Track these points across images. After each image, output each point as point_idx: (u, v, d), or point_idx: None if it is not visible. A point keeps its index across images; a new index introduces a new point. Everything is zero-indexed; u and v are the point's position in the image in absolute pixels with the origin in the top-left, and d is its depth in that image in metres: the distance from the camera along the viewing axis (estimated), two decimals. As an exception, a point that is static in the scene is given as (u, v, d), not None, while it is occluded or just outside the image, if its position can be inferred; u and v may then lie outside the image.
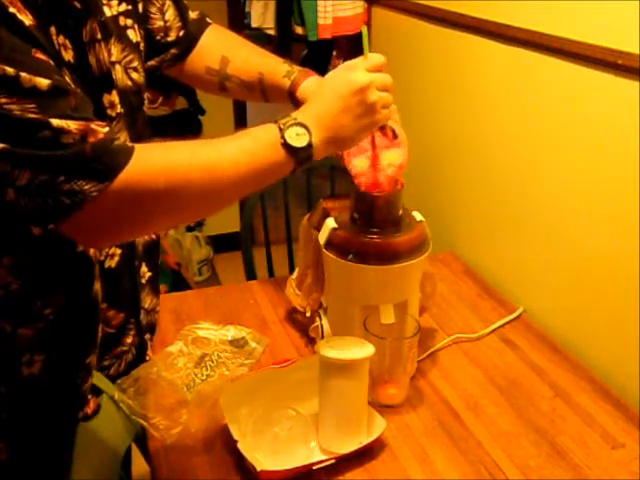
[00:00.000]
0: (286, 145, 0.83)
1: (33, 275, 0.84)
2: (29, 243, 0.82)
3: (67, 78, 0.76)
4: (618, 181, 1.21)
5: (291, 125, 0.83)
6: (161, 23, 1.08)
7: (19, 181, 0.69)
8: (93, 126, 0.72)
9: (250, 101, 1.17)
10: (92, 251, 0.89)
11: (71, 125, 0.70)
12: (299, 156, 0.84)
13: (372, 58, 0.92)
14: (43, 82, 0.69)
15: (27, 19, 0.70)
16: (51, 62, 0.72)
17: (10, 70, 0.67)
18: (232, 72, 1.13)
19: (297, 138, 0.83)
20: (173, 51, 1.11)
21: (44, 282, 0.85)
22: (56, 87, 0.70)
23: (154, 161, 0.76)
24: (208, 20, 1.17)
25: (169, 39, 1.10)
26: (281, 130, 0.83)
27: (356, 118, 0.88)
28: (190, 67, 1.15)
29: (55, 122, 0.69)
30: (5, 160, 0.68)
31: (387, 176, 1.07)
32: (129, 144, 0.76)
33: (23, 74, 0.68)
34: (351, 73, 0.89)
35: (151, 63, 1.08)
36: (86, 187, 0.70)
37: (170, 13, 1.09)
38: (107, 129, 0.73)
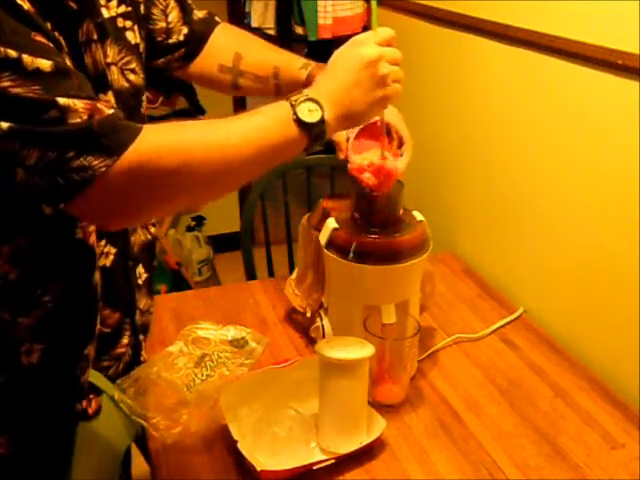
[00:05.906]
0: (298, 121, 0.82)
1: (32, 263, 0.84)
2: (27, 232, 0.82)
3: (67, 62, 0.76)
4: (618, 181, 1.21)
5: (303, 101, 0.83)
6: (163, 24, 1.07)
7: (28, 160, 0.69)
8: (99, 105, 0.72)
9: (261, 96, 1.15)
10: (91, 240, 0.89)
11: (78, 104, 0.70)
12: (312, 132, 0.83)
13: (381, 32, 0.90)
14: (46, 63, 0.69)
15: (25, 4, 0.71)
16: (51, 45, 0.72)
17: (12, 53, 0.67)
18: (246, 68, 1.13)
19: (309, 114, 0.83)
20: (180, 52, 1.11)
21: (43, 270, 0.85)
22: (59, 68, 0.70)
23: (164, 139, 0.76)
24: (217, 19, 1.16)
25: (171, 41, 1.09)
26: (293, 106, 0.82)
27: (368, 92, 0.87)
28: (201, 67, 1.14)
29: (62, 101, 0.69)
30: (13, 139, 0.68)
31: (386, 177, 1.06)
32: (137, 124, 0.76)
33: (25, 56, 0.68)
34: (361, 47, 0.88)
35: (158, 64, 1.08)
36: (95, 163, 0.70)
37: (174, 15, 1.09)
38: (113, 109, 0.74)
